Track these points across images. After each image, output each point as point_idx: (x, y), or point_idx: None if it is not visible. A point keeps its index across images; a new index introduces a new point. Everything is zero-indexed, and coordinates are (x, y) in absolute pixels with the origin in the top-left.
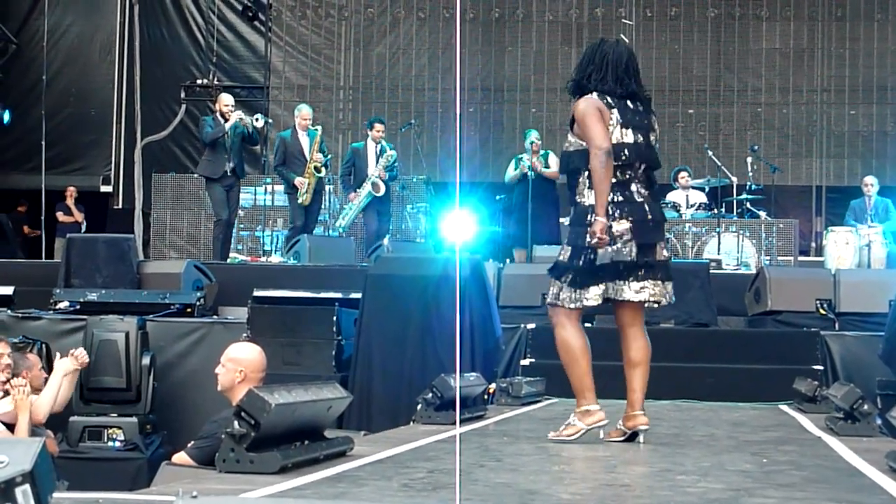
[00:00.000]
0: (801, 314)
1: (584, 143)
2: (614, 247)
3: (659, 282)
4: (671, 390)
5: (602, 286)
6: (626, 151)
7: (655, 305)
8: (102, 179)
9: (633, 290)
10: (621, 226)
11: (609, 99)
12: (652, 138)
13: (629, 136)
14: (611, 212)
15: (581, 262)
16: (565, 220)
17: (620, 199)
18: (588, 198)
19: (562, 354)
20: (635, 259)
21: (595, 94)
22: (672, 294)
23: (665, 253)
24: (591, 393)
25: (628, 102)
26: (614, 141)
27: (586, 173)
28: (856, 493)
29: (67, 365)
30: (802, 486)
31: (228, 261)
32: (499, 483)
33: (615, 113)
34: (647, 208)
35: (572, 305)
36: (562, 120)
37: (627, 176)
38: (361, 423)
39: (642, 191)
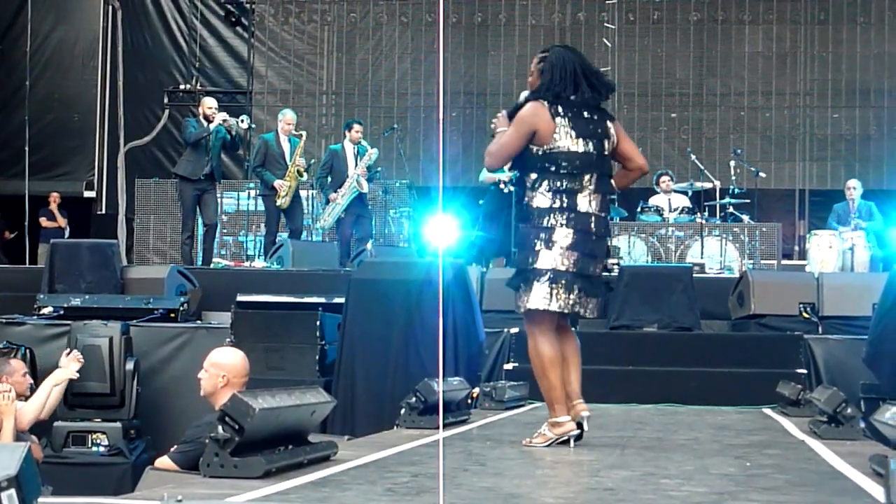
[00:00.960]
0: (784, 318)
1: (533, 147)
2: (555, 254)
3: (593, 298)
4: (654, 394)
5: (547, 287)
6: (577, 161)
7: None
8: (86, 185)
9: (565, 302)
10: (563, 235)
11: (560, 108)
12: (606, 147)
13: (580, 146)
14: (555, 219)
15: (529, 260)
16: None
17: (566, 207)
18: (535, 200)
19: (532, 366)
20: (574, 270)
21: (546, 102)
22: (601, 309)
23: (603, 271)
24: (560, 405)
25: (584, 112)
26: (564, 149)
27: (533, 175)
28: (839, 497)
29: (63, 375)
30: (786, 489)
31: (212, 266)
32: (482, 487)
33: (564, 122)
34: (592, 222)
35: (533, 307)
36: None
37: (575, 185)
38: (345, 427)
39: (592, 202)
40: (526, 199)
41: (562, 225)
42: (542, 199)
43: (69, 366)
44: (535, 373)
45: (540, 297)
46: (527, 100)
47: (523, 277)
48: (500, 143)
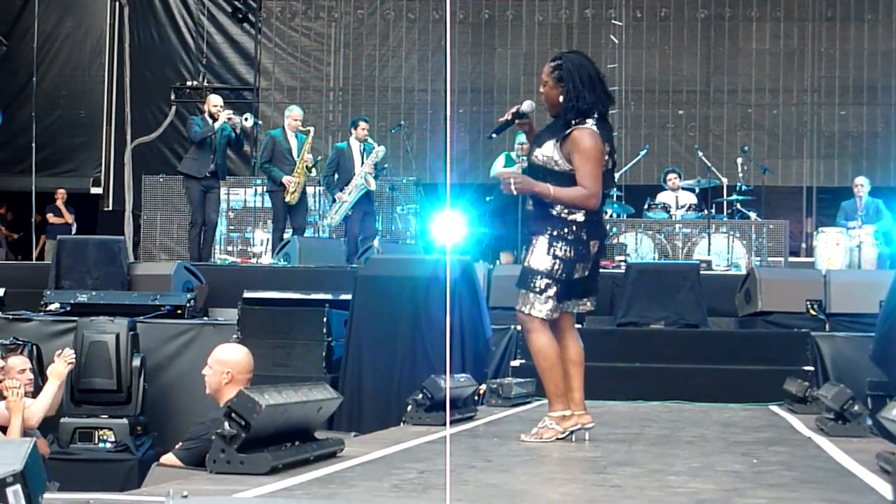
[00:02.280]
0: (791, 315)
1: (573, 170)
2: (585, 263)
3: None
4: (662, 391)
5: (574, 299)
6: (611, 180)
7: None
8: (93, 181)
9: (589, 305)
10: (594, 248)
11: (600, 129)
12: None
13: (609, 164)
14: (588, 232)
15: (566, 276)
16: None
17: (597, 220)
18: (573, 215)
19: (539, 360)
20: (593, 274)
21: (593, 123)
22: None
23: None
24: (565, 398)
25: (607, 123)
26: (605, 169)
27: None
28: (846, 494)
29: (60, 369)
30: (793, 486)
31: (218, 262)
32: (489, 484)
33: (606, 146)
34: (605, 227)
35: (551, 315)
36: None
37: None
38: (352, 424)
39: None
40: (558, 212)
41: (593, 237)
42: (580, 214)
43: (63, 367)
44: (544, 366)
45: (568, 304)
46: (571, 125)
47: (556, 284)
48: (594, 178)
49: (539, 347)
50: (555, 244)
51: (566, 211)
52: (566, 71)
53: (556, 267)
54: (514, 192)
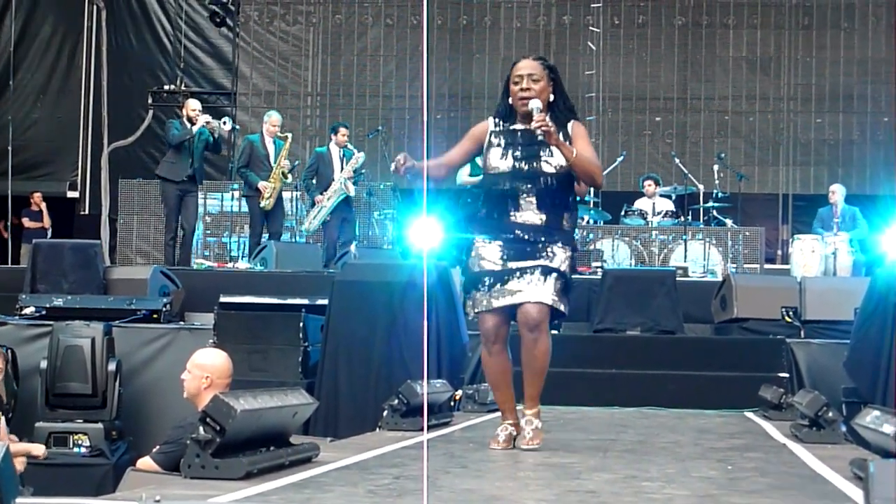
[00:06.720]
0: (766, 322)
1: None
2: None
3: None
4: (637, 397)
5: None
6: None
7: None
8: (69, 185)
9: None
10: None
11: None
12: None
13: None
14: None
15: (569, 269)
16: None
17: (575, 212)
18: (574, 230)
19: (546, 359)
20: None
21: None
22: None
23: None
24: None
25: None
26: None
27: (571, 198)
28: (820, 500)
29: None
30: (767, 492)
31: (195, 266)
32: (464, 489)
33: None
34: None
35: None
36: None
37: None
38: (327, 429)
39: None
40: (568, 227)
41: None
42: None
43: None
44: (545, 365)
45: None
46: (570, 119)
47: (567, 284)
48: (595, 158)
49: (549, 347)
50: (568, 257)
51: (571, 226)
52: (558, 82)
53: (568, 266)
54: (540, 135)
